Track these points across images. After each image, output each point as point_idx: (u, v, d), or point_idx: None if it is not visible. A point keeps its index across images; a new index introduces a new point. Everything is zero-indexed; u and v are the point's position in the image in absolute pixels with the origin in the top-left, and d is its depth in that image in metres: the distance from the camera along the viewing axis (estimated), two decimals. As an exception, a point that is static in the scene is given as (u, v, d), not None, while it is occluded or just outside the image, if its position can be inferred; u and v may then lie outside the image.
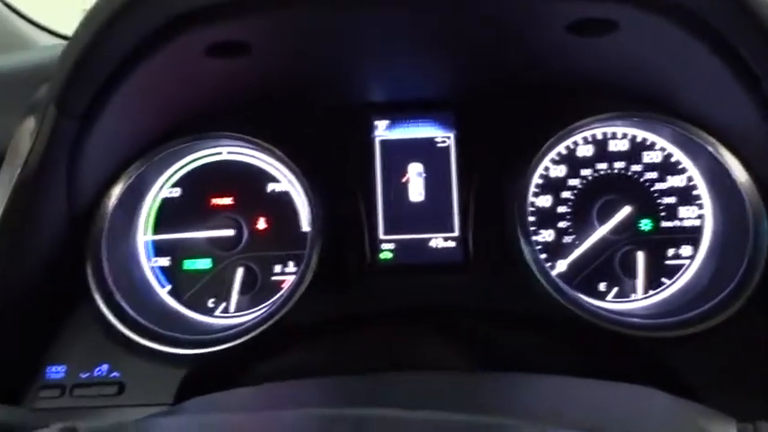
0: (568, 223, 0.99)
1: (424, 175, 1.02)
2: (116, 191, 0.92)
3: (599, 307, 0.91)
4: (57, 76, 0.72)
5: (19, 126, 0.75)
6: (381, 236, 1.01)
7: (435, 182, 1.01)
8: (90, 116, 0.76)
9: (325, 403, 0.66)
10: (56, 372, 0.85)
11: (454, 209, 1.00)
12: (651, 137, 0.99)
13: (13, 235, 0.76)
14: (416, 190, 1.02)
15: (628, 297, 0.98)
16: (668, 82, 0.89)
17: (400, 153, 1.02)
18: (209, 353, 0.86)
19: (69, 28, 0.72)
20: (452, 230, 1.01)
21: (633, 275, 0.97)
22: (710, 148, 0.91)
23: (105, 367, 0.85)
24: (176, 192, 1.02)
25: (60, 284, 0.86)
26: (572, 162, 1.00)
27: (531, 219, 0.99)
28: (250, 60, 0.84)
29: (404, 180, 1.02)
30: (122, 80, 0.76)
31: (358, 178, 1.01)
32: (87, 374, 0.85)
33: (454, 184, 1.01)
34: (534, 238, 0.99)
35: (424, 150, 1.02)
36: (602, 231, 0.97)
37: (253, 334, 0.88)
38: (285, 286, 1.00)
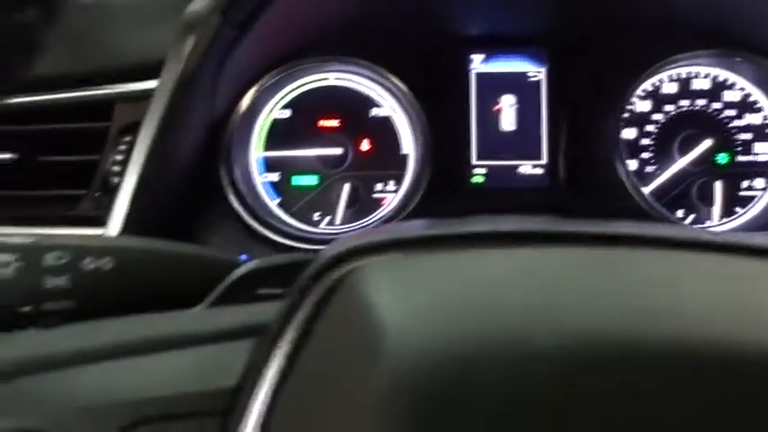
0: (651, 154, 1.07)
1: (515, 106, 1.10)
2: (245, 102, 1.01)
3: (681, 228, 1.00)
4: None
5: (181, 31, 0.83)
6: (474, 161, 1.10)
7: (526, 113, 1.10)
8: (245, 25, 0.84)
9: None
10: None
11: (543, 138, 1.09)
12: (732, 77, 1.07)
13: (168, 136, 0.85)
14: (508, 120, 1.10)
15: (703, 224, 1.07)
16: (754, 21, 0.97)
17: (494, 85, 1.10)
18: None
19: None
20: (540, 158, 1.09)
21: (709, 204, 1.05)
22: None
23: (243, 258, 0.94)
24: (286, 113, 1.11)
25: (198, 184, 0.95)
26: (656, 98, 1.08)
27: (618, 148, 1.07)
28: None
29: (496, 110, 1.10)
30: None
31: (454, 107, 1.10)
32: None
33: (544, 116, 1.09)
34: (620, 165, 1.07)
35: (517, 83, 1.10)
36: (682, 162, 1.06)
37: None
38: (385, 203, 1.09)
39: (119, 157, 0.85)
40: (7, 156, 0.87)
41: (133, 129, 0.85)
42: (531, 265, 0.29)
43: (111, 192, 0.85)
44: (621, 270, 0.29)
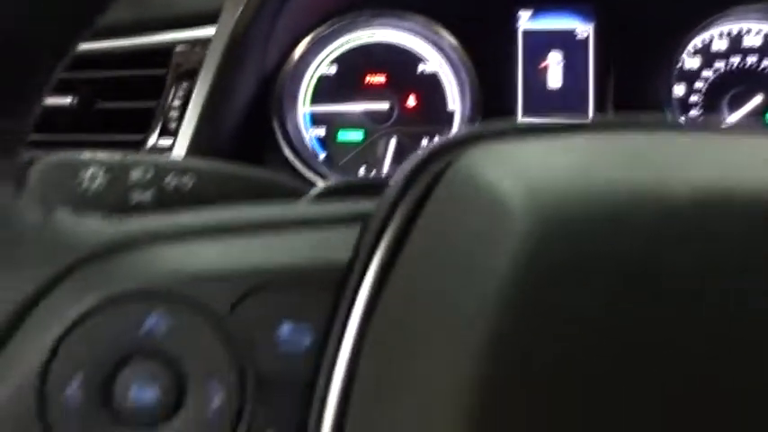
0: (700, 111, 1.07)
1: (562, 63, 1.10)
2: (296, 55, 1.01)
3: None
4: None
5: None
6: (520, 117, 1.10)
7: (573, 70, 1.09)
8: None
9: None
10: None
11: (590, 95, 1.08)
12: (784, 33, 1.06)
13: (224, 83, 0.86)
14: (555, 77, 1.10)
15: (751, 182, 1.06)
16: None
17: (541, 43, 1.10)
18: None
19: None
20: (587, 114, 1.09)
21: (759, 161, 1.05)
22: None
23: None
24: (333, 69, 1.11)
25: (250, 134, 0.96)
26: (706, 55, 1.07)
27: (667, 105, 1.07)
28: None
29: (543, 67, 1.10)
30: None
31: (501, 64, 1.10)
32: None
33: (591, 73, 1.08)
34: (668, 122, 1.07)
35: (564, 41, 1.10)
36: (731, 119, 1.05)
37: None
38: (431, 159, 1.09)
39: (176, 103, 0.86)
40: (67, 100, 0.89)
41: (190, 75, 0.86)
42: (653, 145, 0.30)
43: (168, 137, 0.86)
44: (748, 146, 0.30)
